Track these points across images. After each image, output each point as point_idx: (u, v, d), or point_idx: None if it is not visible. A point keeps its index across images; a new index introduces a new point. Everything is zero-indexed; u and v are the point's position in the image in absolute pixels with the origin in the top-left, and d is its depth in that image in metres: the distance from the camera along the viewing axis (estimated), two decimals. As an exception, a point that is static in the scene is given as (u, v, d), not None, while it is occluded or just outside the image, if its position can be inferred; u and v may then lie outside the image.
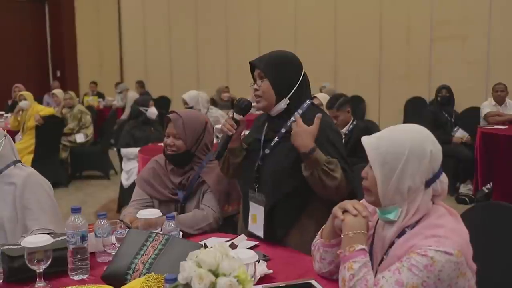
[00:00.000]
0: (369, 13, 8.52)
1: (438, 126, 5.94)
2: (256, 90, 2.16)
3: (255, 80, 2.20)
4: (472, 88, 7.43)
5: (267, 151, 2.17)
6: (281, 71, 2.15)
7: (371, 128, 4.29)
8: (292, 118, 2.11)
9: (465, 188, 5.79)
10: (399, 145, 1.50)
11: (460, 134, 5.97)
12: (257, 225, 2.17)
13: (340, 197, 1.95)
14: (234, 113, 2.19)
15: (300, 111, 2.16)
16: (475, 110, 6.37)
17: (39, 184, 2.31)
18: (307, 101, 2.19)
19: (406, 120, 7.93)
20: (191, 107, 5.32)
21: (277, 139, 2.15)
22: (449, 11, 7.76)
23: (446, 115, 6.07)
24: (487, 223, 2.03)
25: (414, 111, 7.76)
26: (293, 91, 2.15)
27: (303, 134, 2.00)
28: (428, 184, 1.51)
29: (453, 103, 6.23)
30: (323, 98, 4.74)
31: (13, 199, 2.25)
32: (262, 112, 2.28)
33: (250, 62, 2.21)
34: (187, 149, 2.43)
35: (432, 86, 7.63)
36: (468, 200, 5.52)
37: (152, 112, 5.41)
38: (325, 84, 7.85)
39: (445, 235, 1.42)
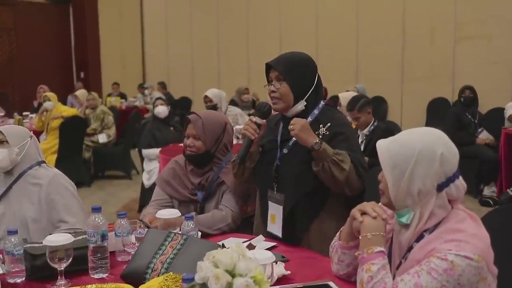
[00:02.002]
0: (392, 13, 8.43)
1: (461, 127, 5.85)
2: (273, 92, 2.16)
3: (269, 81, 2.20)
4: (497, 88, 7.30)
5: (285, 150, 2.17)
6: (300, 74, 2.15)
7: (392, 129, 4.25)
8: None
9: (489, 190, 5.69)
10: (409, 147, 1.49)
11: (484, 135, 5.87)
12: (276, 225, 2.17)
13: (354, 192, 2.05)
14: (257, 118, 2.19)
15: (316, 111, 2.16)
16: (500, 111, 6.24)
17: (64, 185, 2.35)
18: (321, 102, 2.21)
19: (428, 121, 7.83)
20: (215, 104, 5.30)
21: (294, 139, 2.15)
22: (473, 11, 7.64)
23: (469, 116, 5.96)
24: (509, 226, 1.99)
25: (437, 112, 7.65)
26: (309, 92, 2.16)
27: (305, 129, 2.04)
28: (440, 188, 1.48)
29: (477, 104, 6.11)
30: (343, 98, 4.74)
31: (38, 200, 2.28)
32: (275, 113, 2.28)
33: (267, 64, 2.20)
34: (207, 150, 2.44)
35: (455, 87, 7.52)
36: (492, 203, 5.42)
37: (158, 111, 5.47)
38: (358, 85, 7.74)
39: (465, 239, 1.40)
